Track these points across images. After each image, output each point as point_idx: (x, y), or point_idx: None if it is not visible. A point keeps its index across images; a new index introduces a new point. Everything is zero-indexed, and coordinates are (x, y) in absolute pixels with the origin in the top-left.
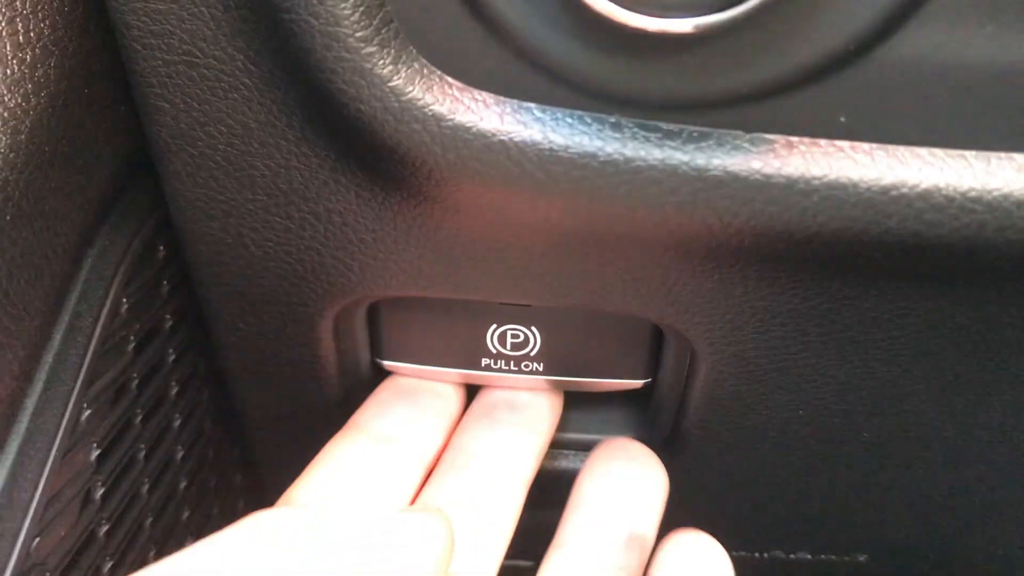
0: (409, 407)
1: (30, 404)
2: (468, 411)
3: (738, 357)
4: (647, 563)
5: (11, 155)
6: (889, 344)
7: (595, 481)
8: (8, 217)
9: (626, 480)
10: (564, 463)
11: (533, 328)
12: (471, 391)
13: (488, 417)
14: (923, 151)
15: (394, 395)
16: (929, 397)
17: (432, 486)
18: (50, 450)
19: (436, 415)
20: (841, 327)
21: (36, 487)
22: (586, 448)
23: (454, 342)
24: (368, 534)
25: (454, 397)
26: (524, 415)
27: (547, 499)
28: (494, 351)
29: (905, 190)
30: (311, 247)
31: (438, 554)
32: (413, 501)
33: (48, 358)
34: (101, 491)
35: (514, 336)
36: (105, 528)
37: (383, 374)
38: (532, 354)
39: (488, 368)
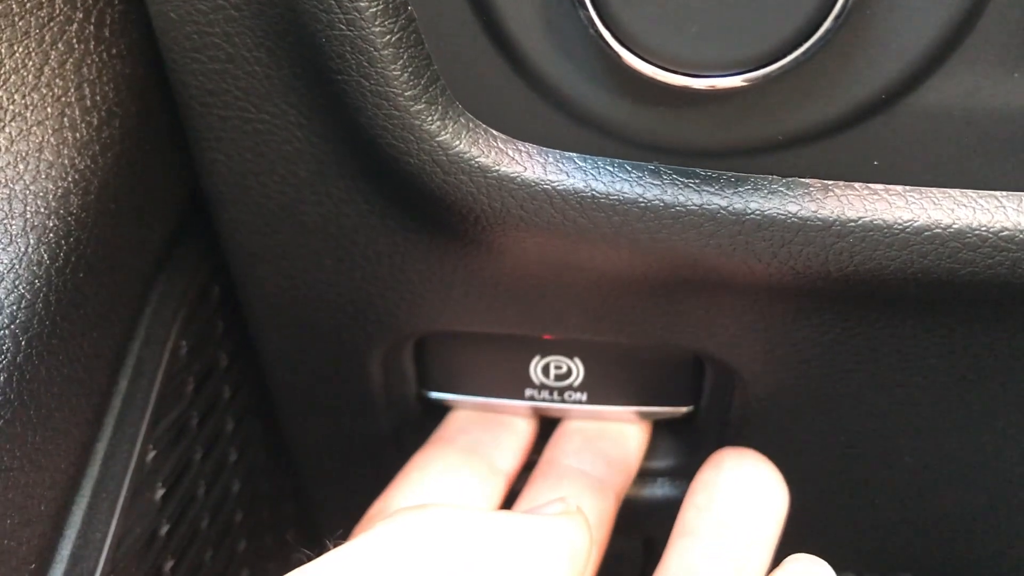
0: (489, 424)
1: (101, 448)
2: (559, 428)
3: (780, 386)
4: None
5: (82, 215)
6: (928, 371)
7: (721, 474)
8: (81, 274)
9: (750, 482)
10: None
11: (576, 359)
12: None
13: (580, 433)
14: (955, 192)
15: (473, 414)
16: (968, 421)
17: (529, 495)
18: (120, 491)
19: (513, 433)
20: (881, 355)
21: (109, 528)
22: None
23: (498, 374)
24: (510, 534)
25: (526, 420)
26: (615, 431)
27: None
28: (537, 382)
29: (939, 230)
30: (360, 287)
31: (581, 555)
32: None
33: (116, 403)
34: (166, 528)
35: (557, 367)
36: (170, 564)
37: (430, 405)
38: (575, 384)
39: (532, 399)
